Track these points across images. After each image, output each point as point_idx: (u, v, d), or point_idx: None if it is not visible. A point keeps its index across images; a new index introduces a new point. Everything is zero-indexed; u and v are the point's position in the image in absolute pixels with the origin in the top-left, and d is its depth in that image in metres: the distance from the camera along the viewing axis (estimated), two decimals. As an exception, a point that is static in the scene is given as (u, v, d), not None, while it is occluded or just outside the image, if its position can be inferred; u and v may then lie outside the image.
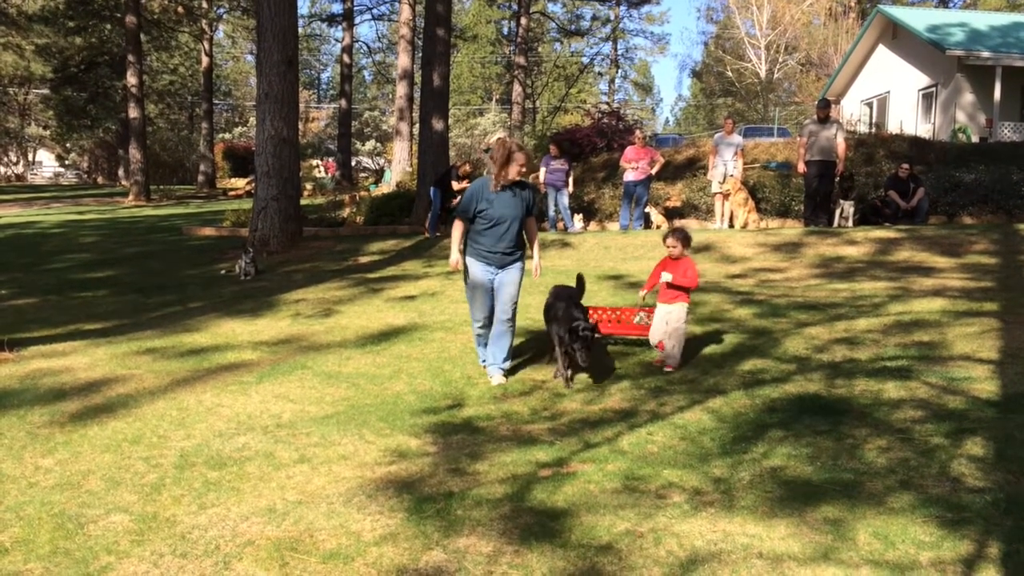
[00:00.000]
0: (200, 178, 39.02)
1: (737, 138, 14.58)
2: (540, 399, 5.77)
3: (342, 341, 7.63)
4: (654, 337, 6.43)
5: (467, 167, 15.35)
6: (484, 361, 6.40)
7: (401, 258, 13.29)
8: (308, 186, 29.59)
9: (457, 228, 6.19)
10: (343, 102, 37.03)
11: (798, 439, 4.78)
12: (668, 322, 6.31)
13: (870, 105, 28.68)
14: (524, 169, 6.13)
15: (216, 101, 50.08)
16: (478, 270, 6.17)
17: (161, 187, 36.73)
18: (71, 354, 7.29)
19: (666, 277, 6.32)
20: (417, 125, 21.29)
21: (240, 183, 38.10)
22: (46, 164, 56.52)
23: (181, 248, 15.90)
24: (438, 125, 17.23)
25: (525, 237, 6.36)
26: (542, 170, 14.94)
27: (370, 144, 53.14)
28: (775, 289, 9.36)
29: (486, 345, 6.33)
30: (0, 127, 47.74)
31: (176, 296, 10.52)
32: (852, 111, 29.21)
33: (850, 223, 13.81)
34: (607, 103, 38.33)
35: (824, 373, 5.99)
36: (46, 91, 43.86)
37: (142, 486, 4.37)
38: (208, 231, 18.19)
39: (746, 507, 3.93)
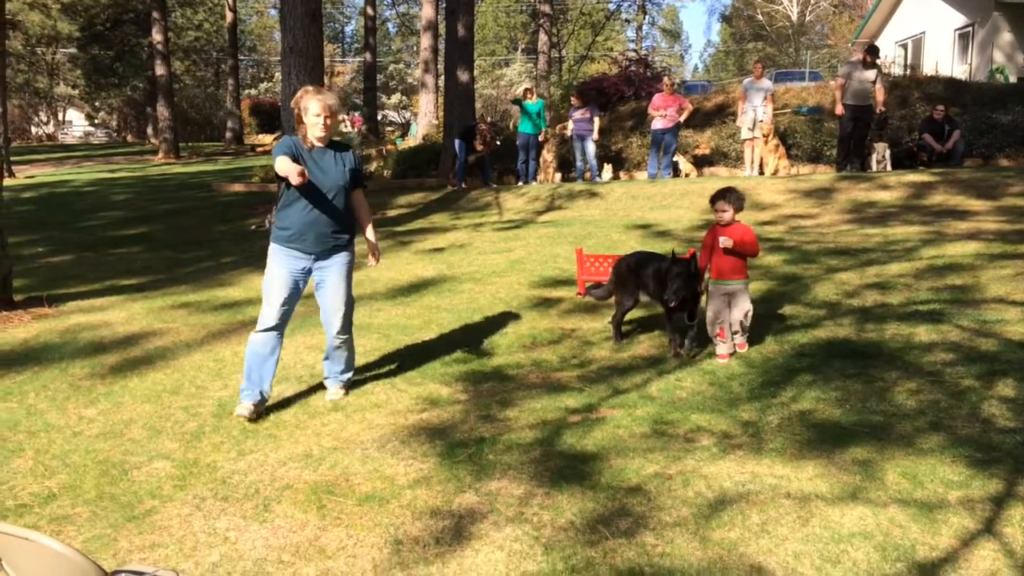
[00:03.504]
0: (228, 135, 39.13)
1: (767, 83, 14.33)
2: (569, 347, 5.81)
3: (372, 293, 7.71)
4: (713, 327, 5.34)
5: (485, 129, 15.15)
6: (245, 391, 4.65)
7: (429, 211, 13.32)
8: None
9: (286, 160, 4.41)
10: (368, 55, 36.76)
11: (827, 383, 4.79)
12: (737, 302, 5.29)
13: (905, 47, 27.99)
14: (330, 121, 4.57)
15: (241, 57, 50.01)
16: (283, 261, 4.63)
17: (190, 144, 36.93)
18: (108, 309, 7.44)
19: (725, 242, 5.16)
20: (442, 77, 21.15)
21: (267, 139, 38.17)
22: (76, 123, 56.89)
23: (211, 204, 16.04)
24: (464, 76, 17.10)
25: (356, 213, 4.86)
26: (570, 123, 14.85)
27: (396, 97, 52.89)
28: (806, 235, 9.29)
29: (261, 363, 4.66)
30: (30, 87, 48.03)
31: (208, 251, 10.66)
32: (886, 53, 28.46)
33: (888, 167, 13.59)
34: (634, 51, 37.68)
35: (855, 318, 5.97)
36: (73, 50, 44.00)
37: (182, 434, 4.49)
38: (237, 187, 18.32)
39: (774, 449, 3.97)
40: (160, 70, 31.23)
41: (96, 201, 17.52)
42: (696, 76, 71.81)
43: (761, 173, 14.04)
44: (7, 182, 14.94)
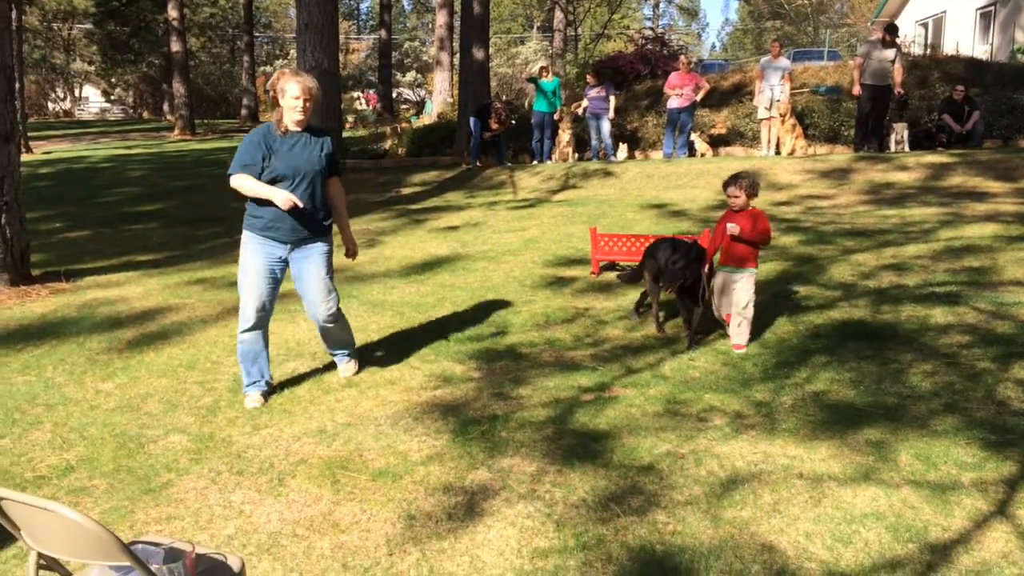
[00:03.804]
0: (243, 111, 39.08)
1: (784, 62, 14.18)
2: (582, 326, 5.81)
3: (386, 271, 7.73)
4: (723, 310, 5.28)
5: (499, 107, 15.06)
6: (249, 385, 4.59)
7: (443, 189, 13.31)
8: (349, 119, 29.53)
9: (249, 180, 4.34)
10: (383, 32, 36.60)
11: (842, 364, 4.77)
12: (733, 292, 5.11)
13: (925, 26, 27.62)
14: (309, 104, 4.37)
15: (256, 33, 49.84)
16: (257, 250, 4.45)
17: (205, 121, 36.96)
18: (125, 284, 7.49)
19: (732, 228, 4.97)
20: (458, 55, 21.05)
21: (283, 116, 38.09)
22: (92, 100, 57.04)
23: (227, 181, 16.05)
24: (479, 54, 17.01)
25: (331, 205, 4.65)
26: (584, 100, 14.79)
27: (411, 75, 52.65)
28: (822, 216, 9.23)
29: (255, 359, 4.58)
30: (46, 63, 48.20)
31: (223, 228, 10.69)
32: (906, 32, 28.09)
33: (906, 147, 13.46)
34: (651, 29, 37.35)
35: (870, 299, 5.94)
36: (89, 26, 44.04)
37: (198, 408, 4.53)
38: (252, 164, 18.32)
39: (787, 430, 3.97)
40: (176, 46, 31.20)
41: (112, 177, 17.59)
42: (713, 55, 71.13)
43: (778, 153, 13.93)
44: (25, 157, 14.98)
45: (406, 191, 13.44)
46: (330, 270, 4.65)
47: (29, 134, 22.42)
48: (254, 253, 4.46)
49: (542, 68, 15.19)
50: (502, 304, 6.41)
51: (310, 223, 4.48)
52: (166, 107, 42.16)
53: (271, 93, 4.42)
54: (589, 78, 14.88)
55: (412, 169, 15.84)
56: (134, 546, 2.23)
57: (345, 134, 18.66)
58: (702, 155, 14.75)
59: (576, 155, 15.50)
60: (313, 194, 4.45)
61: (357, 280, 7.39)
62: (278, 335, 5.78)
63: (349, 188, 13.58)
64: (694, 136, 14.94)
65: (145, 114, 50.61)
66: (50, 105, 52.73)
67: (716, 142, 15.51)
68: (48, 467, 3.87)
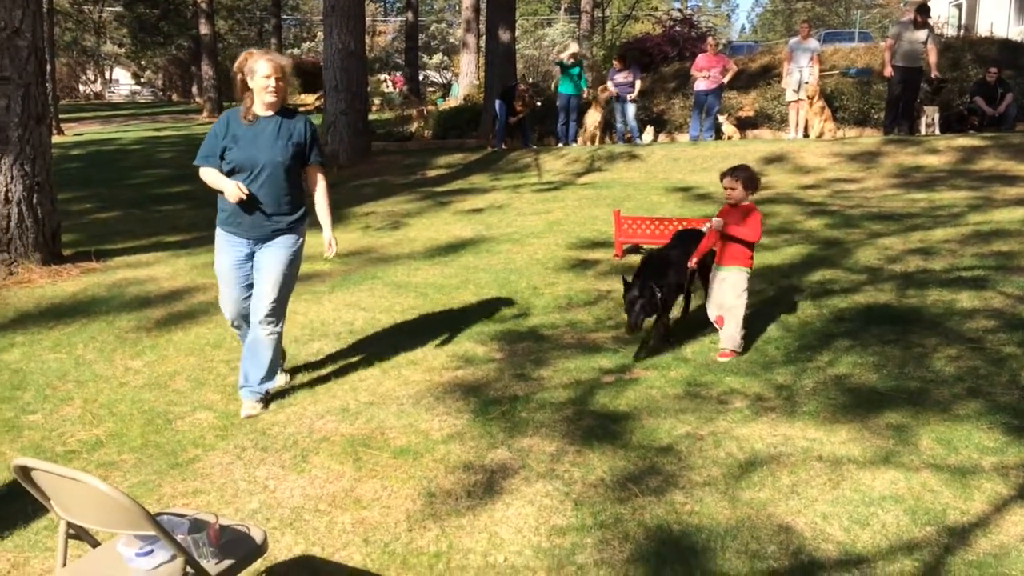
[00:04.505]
0: (270, 94, 39.28)
1: (814, 43, 14.00)
2: (605, 309, 5.82)
3: (411, 252, 7.77)
4: (712, 312, 4.88)
5: (524, 89, 14.99)
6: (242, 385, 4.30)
7: (468, 171, 13.32)
8: (376, 101, 29.56)
9: (210, 172, 4.09)
10: (409, 14, 36.54)
11: (865, 348, 4.75)
12: (722, 291, 4.81)
13: (959, 6, 27.17)
14: (282, 83, 4.07)
15: (284, 16, 50.01)
16: (224, 248, 4.21)
17: (233, 103, 37.00)
18: (154, 264, 7.61)
19: (716, 223, 4.69)
20: (484, 37, 20.99)
21: (310, 99, 38.20)
22: (122, 82, 57.51)
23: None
24: (505, 36, 16.95)
25: (315, 196, 4.32)
26: (609, 83, 14.72)
27: (437, 57, 52.58)
28: (849, 199, 9.14)
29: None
30: (77, 45, 48.60)
31: (250, 209, 10.78)
32: (939, 13, 27.68)
33: (937, 130, 13.27)
34: (679, 10, 36.97)
35: (896, 283, 5.89)
36: (119, 8, 44.32)
37: (224, 386, 4.61)
38: (279, 146, 18.43)
39: (808, 413, 3.96)
40: (204, 29, 31.41)
41: (142, 159, 17.78)
42: (743, 36, 70.42)
43: (806, 136, 13.80)
44: (56, 139, 15.16)
45: (431, 173, 13.47)
46: (291, 265, 4.21)
47: (60, 116, 22.69)
48: (222, 250, 4.23)
49: (572, 54, 15.06)
50: (525, 286, 6.43)
51: (272, 219, 4.11)
52: (195, 89, 42.44)
53: (239, 76, 4.07)
54: (615, 63, 14.80)
55: (438, 151, 15.86)
56: (160, 517, 2.29)
57: (371, 116, 18.68)
58: (729, 138, 14.63)
59: (604, 138, 15.42)
60: (275, 187, 4.06)
61: (382, 261, 7.44)
62: (303, 315, 5.85)
63: (375, 170, 13.70)
64: (721, 119, 14.82)
65: (174, 96, 50.95)
66: (81, 87, 53.23)
67: (744, 125, 15.37)
68: (78, 442, 3.96)
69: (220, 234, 4.21)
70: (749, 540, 2.95)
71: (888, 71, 12.70)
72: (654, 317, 4.89)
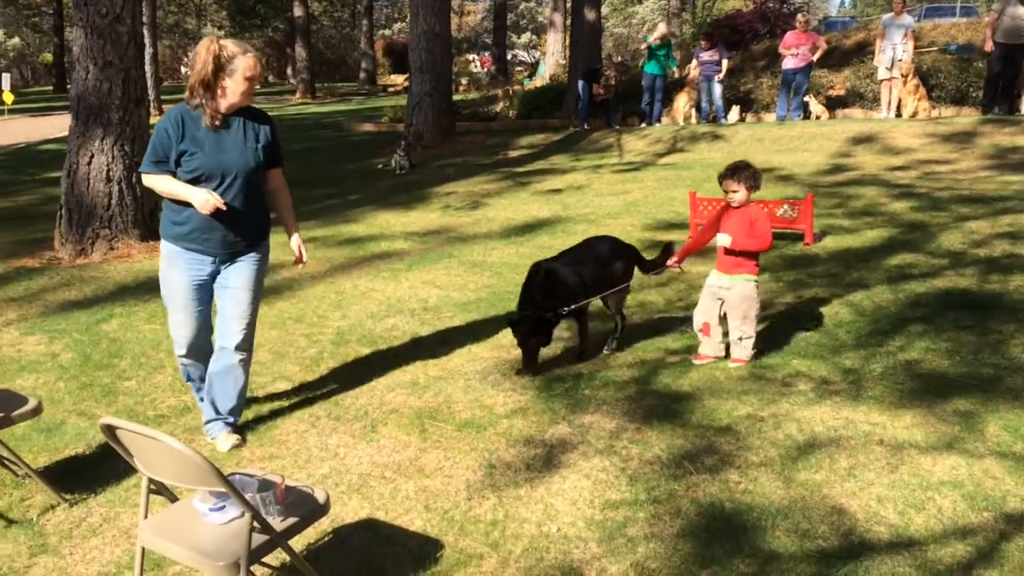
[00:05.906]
0: (361, 75, 39.97)
1: (908, 19, 13.51)
2: (675, 290, 5.85)
3: (488, 232, 7.91)
4: (697, 320, 4.53)
5: (611, 73, 14.88)
6: (207, 421, 3.82)
7: (549, 152, 13.39)
8: (463, 81, 29.85)
9: (164, 180, 3.48)
10: (498, -6, 36.67)
11: (939, 334, 4.67)
12: (725, 301, 4.40)
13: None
14: (255, 84, 3.51)
15: (375, -3, 50.73)
16: (180, 265, 3.59)
17: (325, 84, 37.99)
18: (243, 242, 7.93)
19: (723, 240, 4.33)
20: (571, 16, 20.92)
21: (399, 79, 38.78)
22: (221, 64, 59.34)
23: (342, 144, 16.60)
24: (590, 15, 16.89)
25: (273, 204, 3.79)
26: (694, 62, 14.53)
27: (526, 37, 52.62)
28: (939, 182, 8.87)
29: (198, 386, 3.89)
30: (179, 27, 50.43)
31: (336, 189, 11.12)
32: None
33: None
34: (773, -15, 36.05)
35: (978, 268, 5.73)
36: (218, -8, 45.83)
37: (303, 359, 4.84)
38: (368, 127, 18.85)
39: (873, 397, 3.94)
40: (298, 11, 32.20)
41: (237, 139, 18.38)
42: (842, 12, 67.87)
43: (899, 115, 13.36)
44: (155, 120, 15.85)
45: (513, 154, 13.58)
46: (260, 283, 3.76)
47: (162, 97, 23.59)
48: (178, 270, 3.60)
49: (660, 35, 14.88)
50: (598, 266, 6.47)
51: (247, 231, 3.62)
52: (289, 71, 43.57)
53: (207, 68, 3.41)
54: (702, 41, 14.59)
55: (521, 131, 15.96)
56: (231, 476, 2.48)
57: (458, 97, 18.90)
58: (817, 117, 14.28)
59: (694, 118, 15.22)
60: (248, 197, 3.57)
61: (459, 241, 7.61)
62: (381, 292, 6.06)
63: (458, 151, 13.89)
64: (809, 98, 14.46)
65: (270, 77, 52.36)
66: (182, 69, 55.18)
67: (834, 104, 14.96)
68: (168, 407, 4.23)
69: (174, 251, 3.59)
70: (800, 520, 2.98)
71: (988, 46, 12.20)
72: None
